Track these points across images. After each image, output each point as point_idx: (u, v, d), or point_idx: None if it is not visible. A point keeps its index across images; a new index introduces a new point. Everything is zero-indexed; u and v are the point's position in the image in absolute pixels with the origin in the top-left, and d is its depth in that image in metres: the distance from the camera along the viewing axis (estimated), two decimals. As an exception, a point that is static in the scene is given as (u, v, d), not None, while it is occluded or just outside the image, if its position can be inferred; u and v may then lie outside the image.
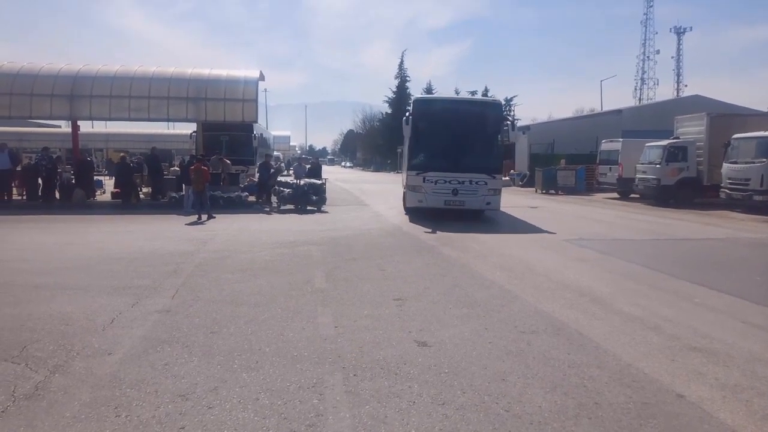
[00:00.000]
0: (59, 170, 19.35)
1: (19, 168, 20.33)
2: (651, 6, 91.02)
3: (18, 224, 13.26)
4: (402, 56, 64.74)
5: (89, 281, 7.22)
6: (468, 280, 7.70)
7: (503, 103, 17.80)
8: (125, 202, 18.47)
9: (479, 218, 15.15)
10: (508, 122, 14.36)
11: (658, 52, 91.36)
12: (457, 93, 64.96)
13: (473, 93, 70.32)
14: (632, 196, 23.37)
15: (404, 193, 15.94)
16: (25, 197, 19.12)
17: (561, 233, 12.58)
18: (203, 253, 9.49)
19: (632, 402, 3.85)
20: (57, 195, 18.80)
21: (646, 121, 32.46)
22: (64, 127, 38.90)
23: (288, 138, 66.11)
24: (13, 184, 19.02)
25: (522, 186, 31.69)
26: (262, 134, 28.60)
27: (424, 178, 14.36)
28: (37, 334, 5.04)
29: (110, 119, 20.78)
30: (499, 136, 14.73)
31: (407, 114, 14.96)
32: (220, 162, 19.15)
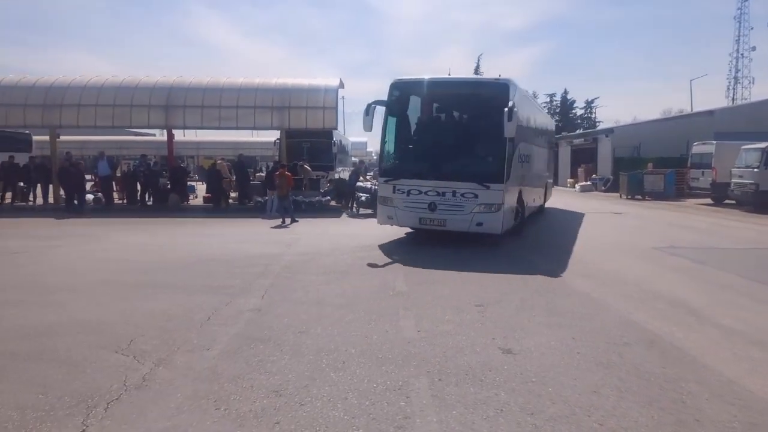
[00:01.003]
0: (160, 177, 20.65)
1: (118, 173, 22.00)
2: (746, 0, 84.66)
3: (119, 226, 14.31)
4: (478, 60, 63.98)
5: (186, 280, 7.69)
6: (551, 287, 7.50)
7: (510, 86, 10.66)
8: (215, 206, 19.49)
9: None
10: (506, 110, 9.77)
11: (753, 48, 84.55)
12: (535, 96, 62.65)
13: (551, 96, 67.43)
14: (727, 202, 21.82)
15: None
16: (125, 201, 20.62)
17: (650, 240, 11.97)
18: (288, 255, 9.84)
19: (737, 421, 3.61)
20: (151, 199, 20.13)
21: (741, 122, 30.20)
22: (158, 135, 41.51)
23: (365, 144, 67.06)
24: (114, 189, 20.57)
25: (605, 191, 30.44)
26: (340, 140, 29.25)
27: (394, 188, 10.82)
28: (142, 329, 5.43)
29: (201, 128, 21.99)
30: (509, 130, 10.11)
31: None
32: (302, 168, 19.79)
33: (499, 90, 10.49)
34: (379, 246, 10.86)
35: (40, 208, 19.15)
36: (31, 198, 20.56)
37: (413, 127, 11.45)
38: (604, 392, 4.04)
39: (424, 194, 10.53)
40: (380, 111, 11.18)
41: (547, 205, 19.06)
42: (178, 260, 9.23)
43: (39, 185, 20.35)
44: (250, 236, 12.53)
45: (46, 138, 22.24)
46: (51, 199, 19.89)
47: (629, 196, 26.24)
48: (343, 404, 3.78)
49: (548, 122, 19.97)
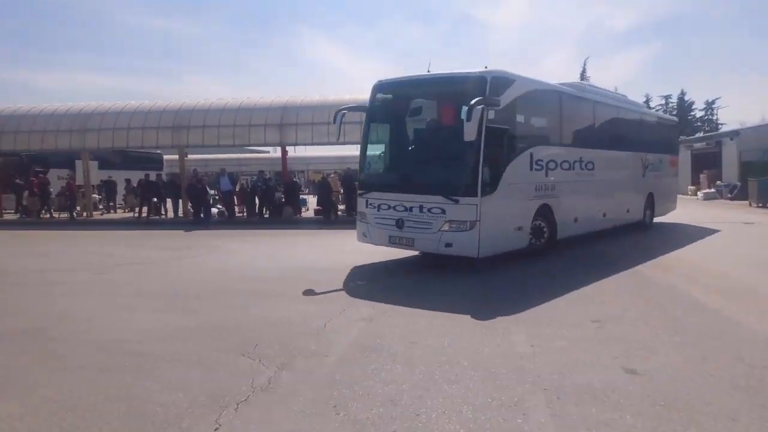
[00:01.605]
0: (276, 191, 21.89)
1: (238, 188, 23.63)
2: None
3: (240, 237, 15.33)
4: (584, 64, 61.02)
5: (302, 289, 8.08)
6: (675, 302, 6.99)
7: (489, 78, 8.81)
8: (326, 218, 20.30)
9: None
10: (466, 108, 8.10)
11: None
12: (648, 99, 57.79)
13: (667, 97, 62.47)
14: None
15: None
16: (245, 214, 22.08)
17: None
18: (390, 266, 10.00)
19: None
20: (268, 212, 21.36)
21: None
22: (272, 152, 43.99)
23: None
24: (234, 203, 22.10)
25: (731, 198, 27.77)
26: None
27: (366, 202, 9.73)
28: (265, 334, 5.78)
29: (312, 144, 23.00)
30: (482, 132, 8.52)
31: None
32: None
33: (474, 85, 8.79)
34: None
35: (170, 222, 21.00)
36: (162, 212, 22.63)
37: (386, 134, 10.34)
38: (744, 420, 3.69)
39: (393, 209, 9.26)
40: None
41: (665, 218, 16.99)
42: (294, 269, 9.70)
43: (170, 200, 22.37)
44: (359, 246, 12.87)
45: (175, 157, 24.44)
46: (180, 213, 21.77)
47: (760, 204, 23.75)
48: (458, 417, 3.78)
49: (647, 122, 16.38)
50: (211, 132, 21.17)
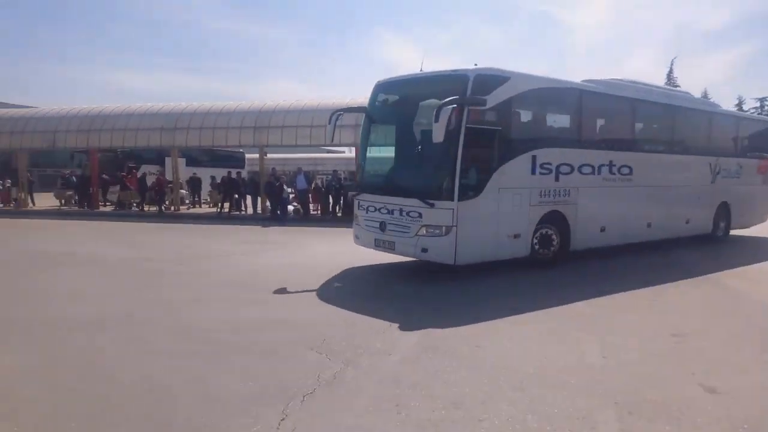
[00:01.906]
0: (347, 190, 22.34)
1: (313, 187, 24.26)
2: None
3: (313, 235, 15.74)
4: (671, 64, 57.37)
5: (367, 287, 8.19)
6: (766, 318, 6.49)
7: (471, 77, 8.33)
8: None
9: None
10: (441, 108, 7.60)
11: None
12: (740, 102, 53.87)
13: (762, 100, 57.42)
14: None
15: None
16: (319, 212, 22.63)
17: None
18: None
19: None
20: (341, 211, 21.78)
21: None
22: (347, 153, 44.77)
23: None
24: (309, 202, 22.70)
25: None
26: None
27: (358, 203, 9.72)
28: (333, 330, 5.91)
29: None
30: (460, 133, 8.15)
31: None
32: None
33: (454, 85, 8.39)
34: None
35: (249, 217, 21.87)
36: (242, 208, 23.61)
37: (376, 135, 10.07)
38: (842, 452, 3.39)
39: (378, 212, 9.13)
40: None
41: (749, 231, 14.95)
42: (363, 267, 9.84)
43: (249, 197, 23.32)
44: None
45: (256, 156, 25.42)
46: (259, 209, 22.63)
47: None
48: (522, 426, 3.71)
49: (720, 123, 14.26)
50: (290, 132, 21.84)
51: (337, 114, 9.73)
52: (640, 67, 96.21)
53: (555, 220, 9.76)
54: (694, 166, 12.80)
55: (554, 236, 9.79)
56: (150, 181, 23.78)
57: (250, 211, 23.21)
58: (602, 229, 10.58)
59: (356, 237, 9.89)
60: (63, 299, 7.33)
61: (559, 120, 10.58)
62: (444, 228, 8.25)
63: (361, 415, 3.87)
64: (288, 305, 7.13)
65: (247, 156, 34.53)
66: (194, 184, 26.74)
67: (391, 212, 8.89)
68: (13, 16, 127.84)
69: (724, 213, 13.83)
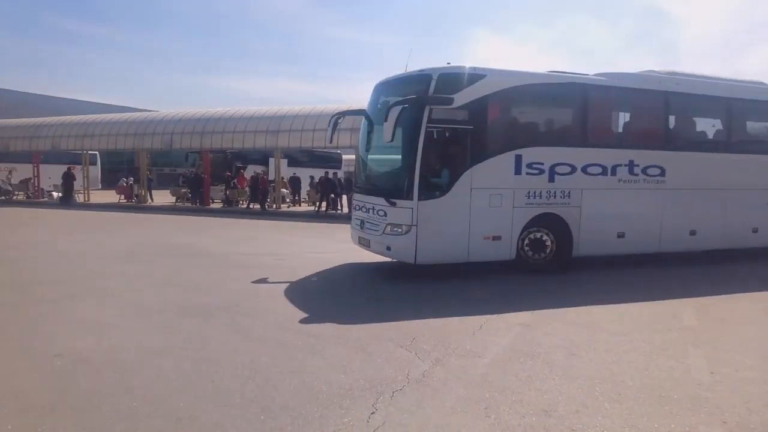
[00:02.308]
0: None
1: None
2: None
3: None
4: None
5: (455, 290, 8.15)
6: None
7: (435, 77, 8.36)
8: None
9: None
10: (391, 108, 7.89)
11: None
12: None
13: None
14: None
15: None
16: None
17: None
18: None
19: None
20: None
21: None
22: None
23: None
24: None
25: None
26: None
27: (351, 202, 10.02)
28: (423, 329, 5.97)
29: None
30: (418, 133, 8.18)
31: None
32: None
33: (418, 84, 8.49)
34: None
35: (345, 216, 22.47)
36: (339, 207, 24.32)
37: (367, 135, 9.75)
38: None
39: (361, 210, 9.44)
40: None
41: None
42: (453, 270, 9.82)
43: (345, 197, 23.98)
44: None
45: (353, 156, 26.07)
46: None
47: None
48: (617, 438, 3.56)
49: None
50: (385, 132, 22.25)
51: (337, 116, 10.04)
52: (763, 61, 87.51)
53: (550, 223, 9.27)
54: (760, 166, 10.99)
55: (549, 241, 9.32)
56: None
57: (345, 210, 23.86)
58: (620, 235, 9.76)
59: (351, 235, 10.19)
60: (180, 288, 7.99)
61: (555, 117, 10.03)
62: (404, 227, 8.35)
63: (449, 414, 3.90)
64: (378, 302, 7.28)
65: (344, 157, 35.54)
66: (295, 183, 27.91)
67: (368, 211, 9.13)
68: (146, 31, 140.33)
69: None
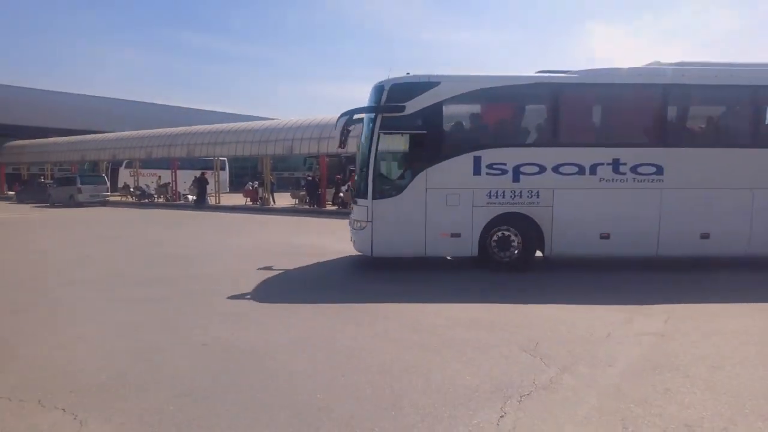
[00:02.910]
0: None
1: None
2: None
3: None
4: None
5: (584, 291, 7.85)
6: None
7: (386, 87, 9.23)
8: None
9: None
10: (339, 118, 9.63)
11: None
12: None
13: None
14: None
15: None
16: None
17: None
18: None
19: None
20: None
21: None
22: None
23: None
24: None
25: None
26: None
27: None
28: (546, 333, 5.85)
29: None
30: (372, 138, 9.23)
31: None
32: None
33: (373, 94, 9.49)
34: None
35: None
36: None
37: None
38: None
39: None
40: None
41: None
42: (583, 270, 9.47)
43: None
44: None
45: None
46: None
47: None
48: (775, 461, 3.28)
49: None
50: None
51: (343, 118, 9.85)
52: None
53: (517, 222, 9.39)
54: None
55: (515, 239, 9.44)
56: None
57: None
58: (604, 236, 9.37)
59: None
60: (308, 285, 8.48)
61: (517, 119, 10.07)
62: (363, 223, 9.43)
63: (582, 424, 3.80)
64: (498, 304, 7.22)
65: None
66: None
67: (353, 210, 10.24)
68: (265, 44, 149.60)
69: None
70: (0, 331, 6.08)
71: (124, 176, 38.80)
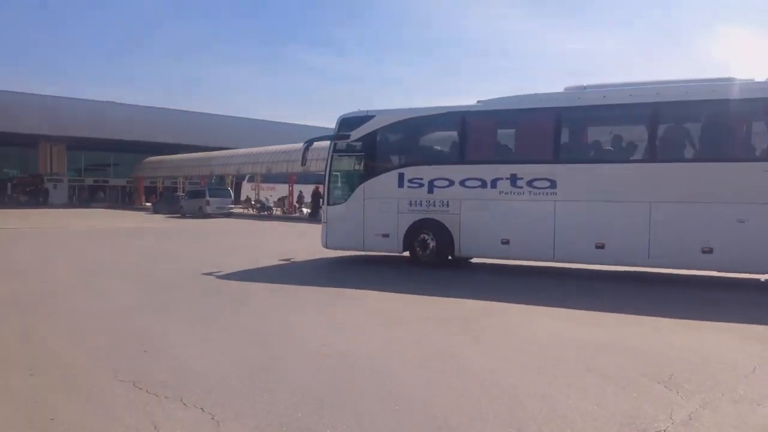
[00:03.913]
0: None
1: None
2: None
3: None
4: None
5: (724, 312, 7.21)
6: None
7: (340, 120, 12.50)
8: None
9: None
10: (305, 144, 14.03)
11: None
12: None
13: None
14: None
15: None
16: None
17: None
18: None
19: None
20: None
21: None
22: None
23: None
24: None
25: None
26: None
27: None
28: (679, 363, 5.41)
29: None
30: (328, 159, 12.68)
31: None
32: None
33: (336, 125, 12.55)
34: None
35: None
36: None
37: None
38: None
39: None
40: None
41: None
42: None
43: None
44: None
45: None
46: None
47: None
48: None
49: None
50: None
51: (306, 144, 14.16)
52: None
53: (432, 226, 11.39)
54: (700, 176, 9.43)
55: (430, 241, 11.43)
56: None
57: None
58: (505, 242, 10.69)
59: None
60: (427, 302, 8.57)
61: (432, 142, 12.70)
62: (322, 223, 12.65)
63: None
64: (624, 327, 6.81)
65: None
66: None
67: None
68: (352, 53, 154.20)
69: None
70: (151, 329, 6.74)
71: (246, 189, 41.59)
